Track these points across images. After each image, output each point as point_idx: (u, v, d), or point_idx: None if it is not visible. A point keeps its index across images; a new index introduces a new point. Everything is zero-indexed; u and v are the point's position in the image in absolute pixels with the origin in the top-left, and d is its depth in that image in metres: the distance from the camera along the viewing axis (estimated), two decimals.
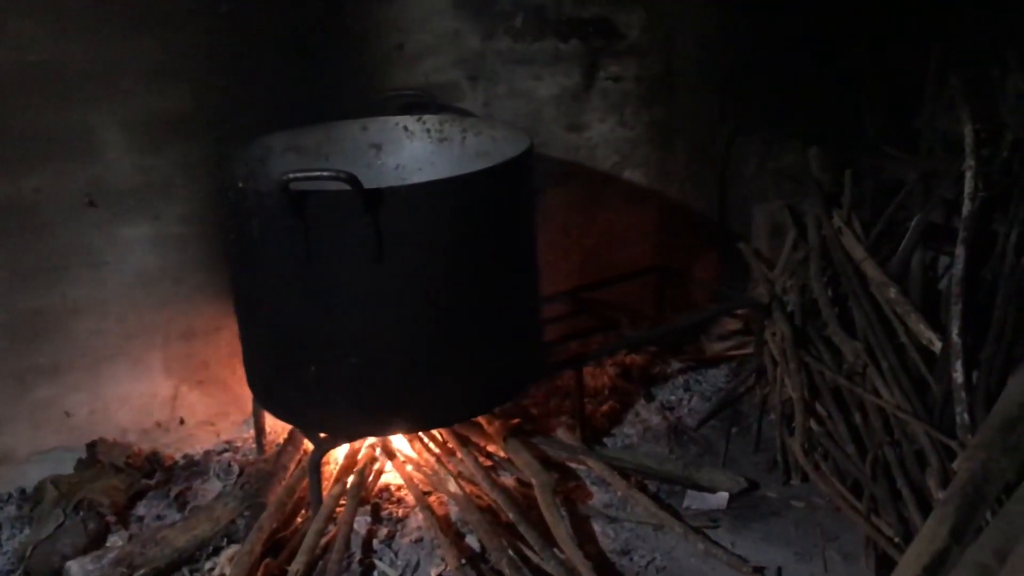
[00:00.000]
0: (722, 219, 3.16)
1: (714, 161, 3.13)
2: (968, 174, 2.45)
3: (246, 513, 2.10)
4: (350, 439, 2.15)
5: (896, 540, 1.92)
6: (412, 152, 2.43)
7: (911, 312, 2.41)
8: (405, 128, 2.42)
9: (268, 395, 2.17)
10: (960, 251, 2.36)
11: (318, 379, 1.99)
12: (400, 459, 2.30)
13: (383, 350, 1.97)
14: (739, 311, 2.89)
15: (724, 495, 2.24)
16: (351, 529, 2.06)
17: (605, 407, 2.62)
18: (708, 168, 3.13)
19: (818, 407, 2.35)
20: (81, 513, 2.15)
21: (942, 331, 2.32)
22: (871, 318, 2.46)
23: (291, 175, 1.76)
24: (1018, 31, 2.98)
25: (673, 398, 2.70)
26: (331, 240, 1.85)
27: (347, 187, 1.77)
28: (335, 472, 2.23)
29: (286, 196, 1.80)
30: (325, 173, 1.76)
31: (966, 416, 2.07)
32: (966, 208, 2.42)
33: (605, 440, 2.51)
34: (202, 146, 2.33)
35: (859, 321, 2.47)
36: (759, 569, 2.00)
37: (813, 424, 2.30)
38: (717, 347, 2.89)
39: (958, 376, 2.14)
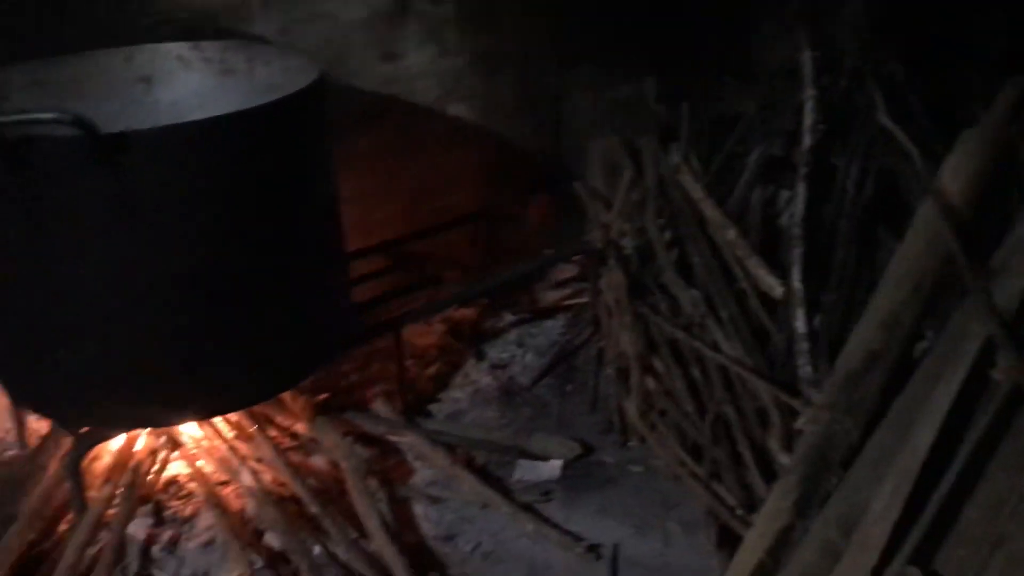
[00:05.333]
0: (556, 157, 2.92)
1: (546, 94, 2.89)
2: (807, 104, 2.29)
3: None
4: (117, 432, 1.82)
5: (738, 510, 1.77)
6: (190, 86, 2.06)
7: (750, 256, 2.25)
8: (179, 57, 2.05)
9: (16, 385, 1.81)
10: (800, 188, 2.21)
11: (68, 366, 1.64)
12: (188, 447, 1.99)
13: (145, 327, 1.64)
14: (574, 257, 2.69)
15: (557, 464, 2.04)
16: (124, 536, 1.76)
17: (431, 370, 2.38)
18: (540, 102, 2.88)
19: (655, 362, 2.17)
20: None
21: (783, 275, 2.18)
22: (710, 263, 2.30)
23: (1, 119, 1.39)
24: None
25: (505, 355, 2.47)
26: (62, 198, 1.50)
27: (77, 132, 1.42)
28: (108, 468, 1.90)
29: (1, 145, 1.43)
30: (45, 116, 1.40)
31: (808, 368, 1.93)
32: (806, 141, 2.27)
33: (431, 407, 2.27)
34: None
35: (697, 267, 2.30)
36: (594, 547, 1.82)
37: (650, 381, 2.12)
38: (552, 297, 2.68)
39: (800, 325, 2.00)
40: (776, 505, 1.52)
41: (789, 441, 1.81)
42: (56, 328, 1.63)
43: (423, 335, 2.50)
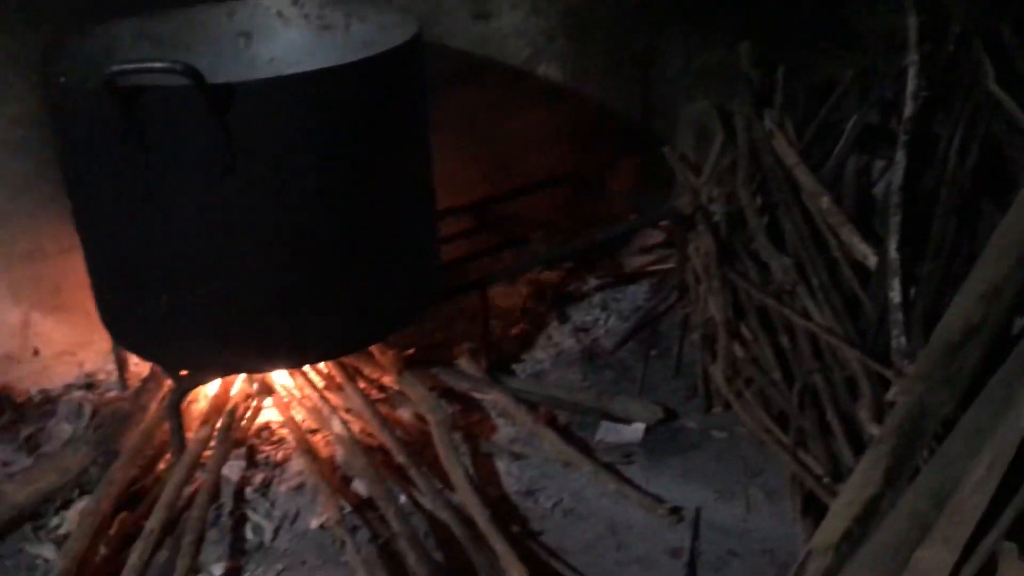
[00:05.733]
0: (645, 121, 2.89)
1: (636, 57, 2.85)
2: (911, 71, 2.22)
3: (99, 460, 1.84)
4: (214, 376, 1.89)
5: (824, 478, 1.75)
6: (288, 42, 2.10)
7: (844, 224, 2.21)
8: (279, 13, 2.09)
9: (119, 328, 1.88)
10: (900, 156, 2.15)
11: (172, 310, 1.70)
12: (280, 394, 2.04)
13: (245, 274, 1.69)
14: (661, 223, 2.66)
15: (640, 427, 2.04)
16: (219, 477, 1.83)
17: (515, 330, 2.40)
18: (630, 64, 2.85)
19: (743, 329, 2.15)
20: None
21: (877, 244, 2.13)
22: (802, 230, 2.25)
23: (115, 68, 1.44)
24: None
25: (589, 319, 2.48)
26: (171, 147, 1.54)
27: (188, 82, 1.46)
28: (204, 411, 1.96)
29: (115, 94, 1.48)
30: (158, 65, 1.44)
31: (902, 339, 1.88)
32: (908, 109, 2.21)
33: (514, 367, 2.28)
34: (40, 34, 1.98)
35: (789, 234, 2.26)
36: (676, 510, 1.82)
37: (737, 348, 2.10)
38: (637, 262, 2.66)
39: (895, 295, 1.95)
40: (866, 474, 1.49)
41: (880, 412, 1.78)
42: (161, 273, 1.69)
43: (507, 296, 2.51)
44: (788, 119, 2.60)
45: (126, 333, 1.87)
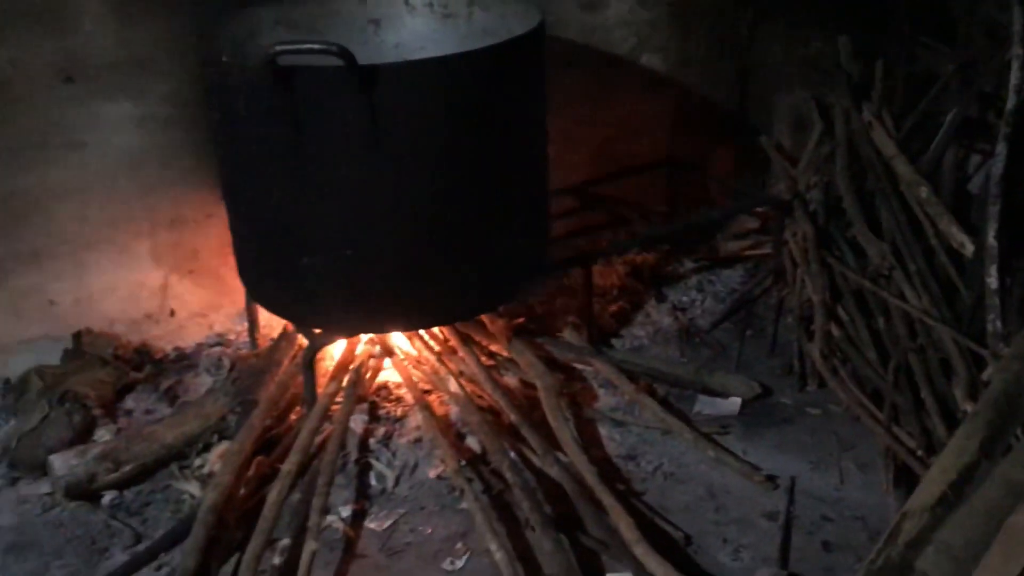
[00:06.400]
0: (742, 111, 2.97)
1: (736, 48, 2.93)
2: (1015, 64, 2.26)
3: (237, 410, 2.02)
4: (345, 335, 2.05)
5: (918, 452, 1.82)
6: (414, 29, 2.25)
7: (943, 213, 2.26)
8: (406, 2, 2.24)
9: (260, 288, 2.05)
10: (1001, 148, 2.19)
11: (311, 272, 1.86)
12: (399, 357, 2.20)
13: (379, 242, 1.84)
14: (758, 209, 2.75)
15: (736, 400, 2.14)
16: (347, 428, 1.98)
17: (614, 307, 2.51)
18: (729, 55, 2.93)
19: (839, 311, 2.23)
20: (67, 405, 2.06)
21: (974, 234, 2.19)
22: (899, 218, 2.32)
23: (278, 47, 1.60)
24: None
25: (685, 299, 2.58)
26: (322, 121, 1.70)
27: (340, 62, 1.61)
28: (331, 369, 2.12)
29: (273, 72, 1.64)
30: (315, 46, 1.60)
31: (998, 324, 1.95)
32: (1010, 102, 2.25)
33: (613, 342, 2.40)
34: (188, 18, 2.16)
35: (886, 221, 2.33)
36: (771, 478, 1.92)
37: (834, 328, 2.18)
38: (732, 246, 2.75)
39: (992, 281, 2.01)
40: (961, 444, 1.57)
41: (974, 391, 1.85)
42: (304, 238, 1.85)
43: (605, 275, 2.62)
44: (886, 111, 2.65)
45: (266, 294, 2.04)
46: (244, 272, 2.08)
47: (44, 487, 1.94)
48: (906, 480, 1.83)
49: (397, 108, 1.70)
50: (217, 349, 2.32)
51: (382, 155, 1.73)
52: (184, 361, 2.34)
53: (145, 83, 2.19)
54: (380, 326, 2.03)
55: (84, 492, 1.88)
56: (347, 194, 1.78)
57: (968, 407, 1.80)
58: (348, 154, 1.73)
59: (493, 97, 1.82)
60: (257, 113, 1.74)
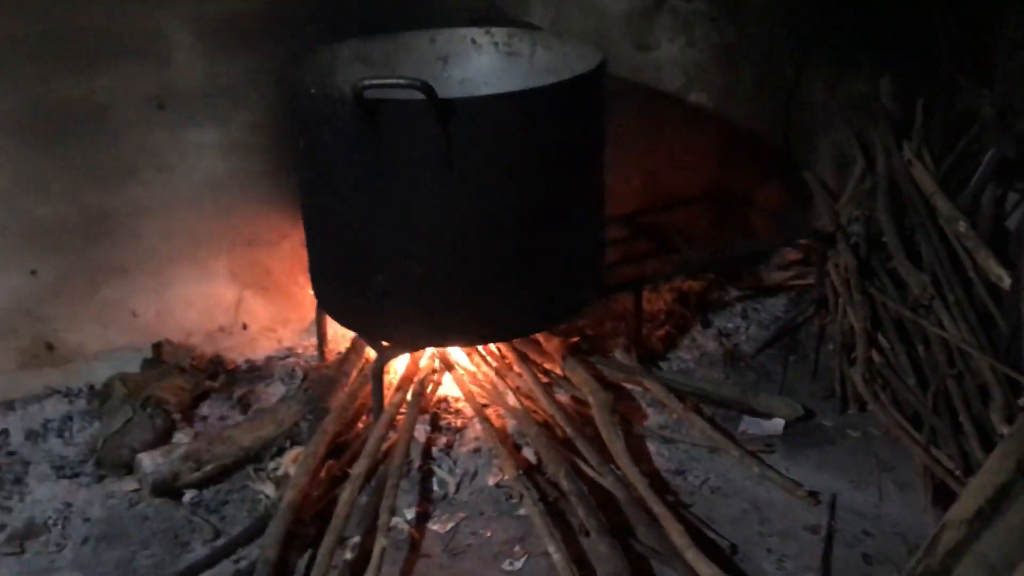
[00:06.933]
0: (788, 146, 3.10)
1: (781, 86, 3.06)
2: None
3: (309, 416, 2.15)
4: (412, 349, 2.18)
5: (956, 472, 1.92)
6: (479, 66, 2.40)
7: (980, 247, 2.36)
8: (473, 41, 2.39)
9: (333, 303, 2.19)
10: None
11: (384, 289, 2.00)
12: (459, 371, 2.32)
13: (448, 262, 1.98)
14: (801, 240, 2.86)
15: (780, 421, 2.24)
16: (411, 436, 2.10)
17: (661, 331, 2.62)
18: (775, 93, 3.06)
19: (880, 338, 2.33)
20: (148, 410, 2.20)
21: (1010, 267, 2.28)
22: (939, 251, 2.42)
23: (367, 82, 1.75)
24: None
25: (730, 325, 2.69)
26: (402, 149, 1.84)
27: (422, 96, 1.76)
28: (395, 381, 2.26)
29: (360, 103, 1.79)
30: (401, 81, 1.74)
31: None
32: None
33: (660, 364, 2.51)
34: (270, 53, 2.32)
35: (926, 254, 2.43)
36: (813, 493, 2.01)
37: (874, 355, 2.28)
38: (776, 276, 2.86)
39: None
40: (998, 462, 1.66)
41: (1010, 416, 1.94)
42: (377, 257, 1.99)
43: (653, 300, 2.74)
44: (926, 149, 2.76)
45: (339, 308, 2.18)
46: (319, 288, 2.23)
47: (129, 484, 2.08)
48: (944, 499, 1.91)
49: (471, 138, 1.84)
50: (291, 360, 2.47)
51: (455, 181, 1.88)
52: (255, 372, 2.48)
53: (230, 112, 2.35)
54: (444, 341, 2.17)
55: (168, 489, 2.02)
56: (421, 217, 1.92)
57: (1005, 430, 1.89)
58: (423, 179, 1.88)
59: (558, 130, 1.96)
60: (342, 141, 1.89)
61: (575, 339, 2.39)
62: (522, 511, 1.95)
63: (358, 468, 1.97)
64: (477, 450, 2.14)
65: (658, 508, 1.87)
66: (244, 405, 2.35)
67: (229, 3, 2.28)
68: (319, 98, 1.92)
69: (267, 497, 2.02)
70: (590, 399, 2.19)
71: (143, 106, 2.28)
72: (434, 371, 2.31)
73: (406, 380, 2.24)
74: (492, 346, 2.37)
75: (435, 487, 2.05)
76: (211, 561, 1.88)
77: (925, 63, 3.14)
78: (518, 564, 1.86)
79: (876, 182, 2.70)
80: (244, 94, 2.35)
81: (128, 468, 2.10)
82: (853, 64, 3.08)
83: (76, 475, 2.11)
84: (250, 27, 2.32)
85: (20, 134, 2.18)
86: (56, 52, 2.15)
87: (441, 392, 2.31)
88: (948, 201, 2.52)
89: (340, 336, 2.47)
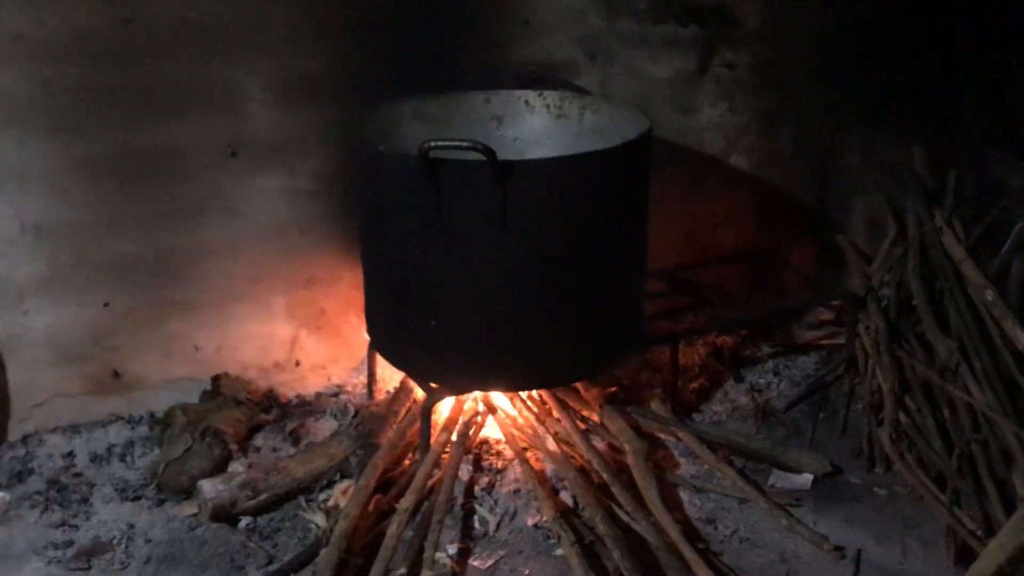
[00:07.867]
0: (821, 209, 3.21)
1: (817, 151, 3.18)
2: None
3: (359, 451, 2.27)
4: (459, 391, 2.30)
5: (978, 532, 1.99)
6: (531, 126, 2.54)
7: (1007, 315, 2.44)
8: (526, 102, 2.53)
9: (387, 344, 2.32)
10: None
11: (436, 333, 2.13)
12: (501, 415, 2.44)
13: (499, 311, 2.10)
14: (833, 302, 2.95)
15: (809, 476, 2.32)
16: (456, 474, 2.21)
17: (695, 384, 2.72)
18: (811, 158, 3.18)
19: (907, 400, 2.41)
20: (207, 439, 2.33)
21: None
22: (966, 318, 2.50)
23: (432, 143, 1.89)
24: None
25: (762, 381, 2.78)
26: (461, 205, 1.98)
27: (481, 157, 1.89)
28: (441, 421, 2.37)
29: (424, 162, 1.93)
30: (464, 143, 1.88)
31: None
32: None
33: (694, 416, 2.61)
34: (334, 108, 2.48)
35: (954, 320, 2.52)
36: (839, 548, 2.09)
37: (902, 416, 2.37)
38: (808, 335, 2.95)
39: None
40: (1018, 524, 1.75)
41: None
42: (432, 303, 2.12)
43: (688, 354, 2.84)
44: (957, 218, 2.85)
45: (393, 350, 2.31)
46: (373, 329, 2.36)
47: (189, 508, 2.20)
48: (966, 559, 1.98)
49: (526, 197, 1.98)
50: (343, 397, 2.59)
51: (509, 236, 2.01)
52: (305, 406, 2.61)
53: (296, 161, 2.50)
54: (489, 385, 2.29)
55: (226, 515, 2.14)
56: (474, 267, 2.05)
57: None
58: (479, 233, 2.01)
59: (607, 191, 2.09)
60: (405, 195, 2.04)
61: (613, 389, 2.50)
62: (559, 551, 2.05)
63: (405, 503, 2.08)
64: (517, 491, 2.24)
65: (690, 554, 1.96)
66: (295, 438, 2.47)
67: (299, 61, 2.44)
68: (386, 155, 2.07)
69: (317, 526, 2.13)
70: (626, 447, 2.29)
71: (217, 153, 2.43)
72: (478, 413, 2.42)
73: (451, 421, 2.36)
74: (534, 392, 2.48)
75: (476, 524, 2.16)
76: None
77: (957, 132, 3.24)
78: None
79: (907, 247, 2.79)
80: (310, 145, 2.51)
81: (187, 493, 2.23)
82: (887, 131, 3.18)
83: (138, 498, 2.24)
84: (317, 84, 2.48)
85: (105, 176, 2.35)
86: (143, 102, 2.32)
87: (484, 434, 2.42)
88: (976, 269, 2.60)
89: (388, 376, 2.59)
